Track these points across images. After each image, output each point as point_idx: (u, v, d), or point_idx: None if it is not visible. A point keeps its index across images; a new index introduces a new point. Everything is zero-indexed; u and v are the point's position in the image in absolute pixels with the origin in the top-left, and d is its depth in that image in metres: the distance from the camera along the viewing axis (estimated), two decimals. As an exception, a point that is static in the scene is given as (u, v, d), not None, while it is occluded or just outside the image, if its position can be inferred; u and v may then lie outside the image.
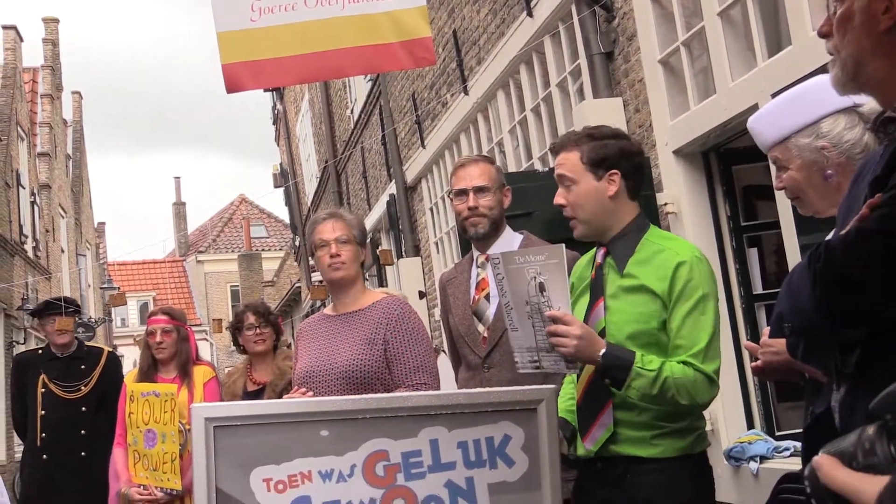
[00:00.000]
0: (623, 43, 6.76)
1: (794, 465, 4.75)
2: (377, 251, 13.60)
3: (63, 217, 31.21)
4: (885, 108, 1.82)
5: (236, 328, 6.02)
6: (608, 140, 3.38)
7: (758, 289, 6.10)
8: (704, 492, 3.34)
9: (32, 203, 26.15)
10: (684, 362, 3.15)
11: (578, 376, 3.38)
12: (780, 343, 2.64)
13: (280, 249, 47.12)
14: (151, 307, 8.10)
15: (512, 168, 9.29)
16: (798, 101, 2.69)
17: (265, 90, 24.15)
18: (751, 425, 5.98)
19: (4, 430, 21.04)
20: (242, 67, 6.41)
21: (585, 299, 3.40)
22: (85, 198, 36.30)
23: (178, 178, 63.86)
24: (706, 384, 3.17)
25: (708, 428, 5.91)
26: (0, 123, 23.37)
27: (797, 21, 4.97)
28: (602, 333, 3.24)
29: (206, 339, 43.58)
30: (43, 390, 7.04)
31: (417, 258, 13.11)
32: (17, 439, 22.02)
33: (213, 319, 8.79)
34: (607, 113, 6.68)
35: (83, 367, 7.09)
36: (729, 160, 6.17)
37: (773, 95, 4.34)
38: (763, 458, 5.52)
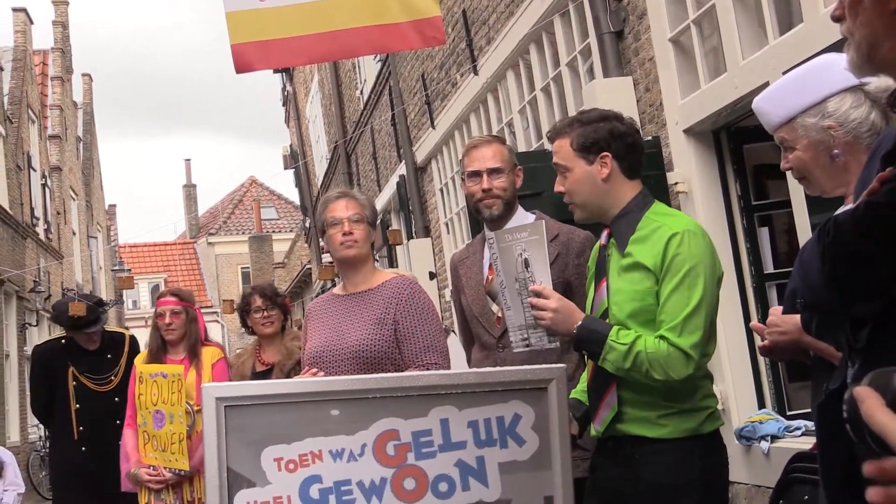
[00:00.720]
0: (633, 21, 6.73)
1: (806, 444, 4.75)
2: (387, 231, 13.60)
3: (74, 199, 31.30)
4: None
5: (244, 311, 6.03)
6: (597, 123, 3.35)
7: (769, 268, 6.09)
8: (714, 471, 3.31)
9: (44, 185, 26.23)
10: (660, 336, 3.12)
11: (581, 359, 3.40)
12: (787, 323, 2.64)
13: (290, 231, 47.18)
14: (163, 289, 8.19)
15: (522, 148, 9.27)
16: (803, 80, 2.67)
17: (275, 71, 24.14)
18: (762, 405, 5.98)
19: (17, 411, 21.17)
20: (252, 48, 6.40)
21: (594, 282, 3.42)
22: (96, 180, 36.38)
23: (189, 160, 63.97)
24: (681, 359, 3.11)
25: (719, 407, 5.94)
26: (11, 106, 23.41)
27: (809, -2, 4.94)
28: (605, 315, 3.24)
29: (217, 321, 43.71)
30: (74, 384, 6.99)
31: (427, 239, 13.11)
32: (31, 420, 22.16)
33: (224, 301, 8.80)
34: (617, 92, 6.66)
35: (109, 356, 7.01)
36: (740, 139, 6.15)
37: (785, 73, 4.32)
38: (774, 438, 5.52)
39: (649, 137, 6.36)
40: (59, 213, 28.08)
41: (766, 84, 4.90)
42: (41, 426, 22.28)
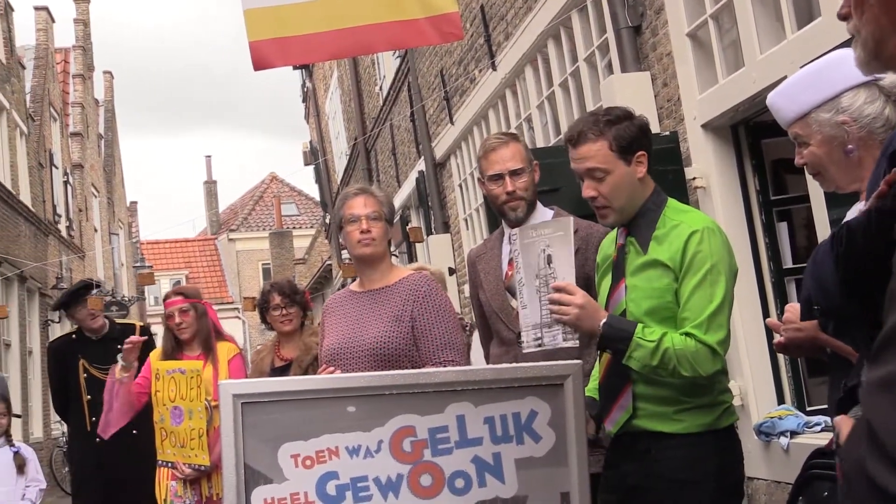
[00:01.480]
0: (651, 16, 6.72)
1: (825, 440, 4.73)
2: (407, 228, 13.61)
3: (96, 196, 31.45)
4: None
5: (263, 307, 6.05)
6: (627, 122, 3.32)
7: (787, 263, 6.07)
8: (730, 466, 3.32)
9: (65, 182, 26.36)
10: (686, 333, 3.13)
11: (599, 357, 3.38)
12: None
13: (311, 227, 47.24)
14: (167, 290, 8.21)
15: (540, 143, 9.26)
16: (817, 76, 2.66)
17: (294, 67, 24.16)
18: (781, 400, 5.96)
19: (41, 408, 21.29)
20: (270, 45, 6.41)
21: (609, 279, 3.39)
22: (117, 177, 36.53)
23: (209, 156, 64.17)
24: (708, 355, 3.13)
25: (738, 403, 5.92)
26: (33, 104, 23.54)
27: (827, -8, 4.91)
28: (623, 315, 3.24)
29: (238, 317, 43.83)
30: (85, 375, 7.05)
31: (447, 235, 13.12)
32: (53, 416, 22.29)
33: (245, 298, 8.79)
34: (635, 87, 6.65)
35: (119, 346, 7.05)
36: (758, 134, 6.12)
37: (802, 67, 4.30)
38: (794, 434, 5.50)
39: (667, 133, 6.35)
40: (80, 210, 28.22)
41: (785, 78, 4.89)
42: (63, 423, 22.48)
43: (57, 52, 28.21)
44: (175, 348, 5.89)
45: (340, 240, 4.24)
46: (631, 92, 6.56)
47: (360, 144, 18.87)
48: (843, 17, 1.77)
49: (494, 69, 10.20)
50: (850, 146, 2.57)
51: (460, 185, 12.56)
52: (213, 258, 51.29)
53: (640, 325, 3.16)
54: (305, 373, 5.52)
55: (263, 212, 51.55)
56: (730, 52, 6.14)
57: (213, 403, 5.39)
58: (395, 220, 15.91)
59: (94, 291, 7.19)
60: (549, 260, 3.19)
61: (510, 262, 4.14)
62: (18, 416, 12.11)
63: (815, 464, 3.54)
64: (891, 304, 1.28)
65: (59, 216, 25.16)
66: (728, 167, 6.17)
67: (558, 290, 3.16)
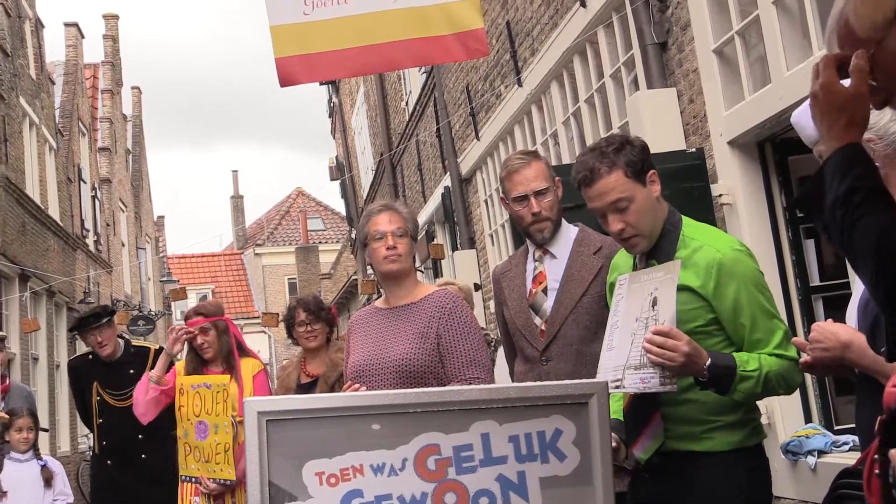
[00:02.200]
0: (677, 33, 6.71)
1: (853, 459, 4.69)
2: (429, 245, 13.63)
3: (123, 211, 31.65)
4: None
5: (289, 323, 6.06)
6: (629, 146, 3.31)
7: (815, 280, 6.03)
8: (760, 485, 3.30)
9: (93, 197, 26.55)
10: (774, 354, 3.17)
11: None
12: (829, 339, 2.61)
13: (337, 242, 47.34)
14: (188, 310, 8.20)
15: (566, 160, 9.26)
16: None
17: (320, 83, 24.27)
18: (808, 419, 5.92)
19: (68, 422, 21.40)
20: (296, 61, 6.44)
21: None
22: (144, 192, 36.76)
23: (236, 171, 64.60)
24: (796, 369, 3.18)
25: (765, 421, 5.88)
26: (62, 119, 23.74)
27: (854, 9, 4.89)
28: None
29: (263, 332, 43.95)
30: (97, 398, 7.06)
31: (472, 250, 13.12)
32: (80, 430, 22.40)
33: (265, 313, 8.80)
34: (661, 104, 6.64)
35: (132, 371, 6.95)
36: (785, 150, 6.10)
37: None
38: (821, 453, 5.46)
39: (693, 149, 6.33)
40: (108, 225, 28.40)
41: (811, 95, 4.87)
42: (90, 437, 22.57)
43: (86, 68, 28.45)
44: (198, 366, 5.90)
45: (366, 257, 4.24)
46: (657, 108, 6.56)
47: (386, 160, 18.92)
48: (882, 104, 1.85)
49: (520, 85, 10.21)
50: (875, 164, 2.56)
51: (486, 201, 12.56)
52: (240, 273, 51.47)
53: (736, 357, 3.14)
54: (332, 389, 5.52)
55: (289, 226, 51.70)
56: (756, 68, 6.13)
57: (237, 419, 5.39)
58: (420, 237, 15.85)
59: (105, 320, 7.07)
60: (654, 302, 3.13)
61: (534, 279, 4.14)
62: (46, 431, 12.17)
63: (842, 483, 3.51)
64: None
65: (87, 231, 25.33)
66: (754, 184, 6.15)
67: (662, 334, 3.05)
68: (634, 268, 3.38)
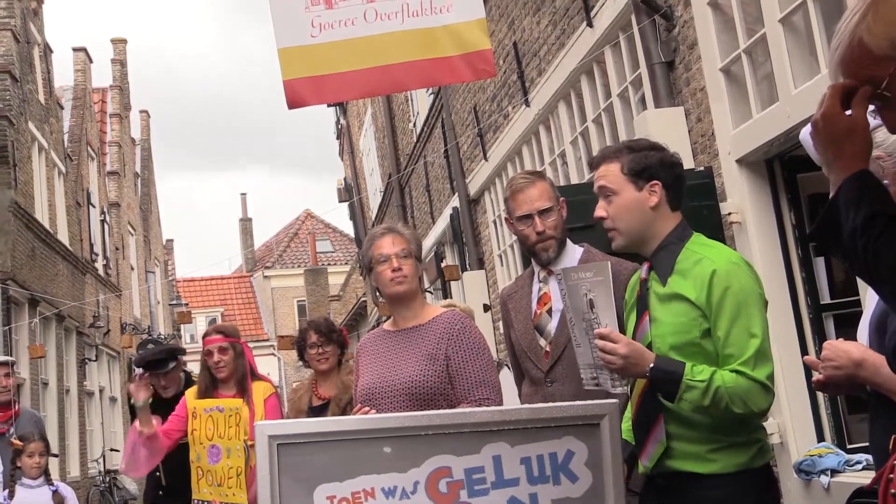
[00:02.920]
0: (684, 52, 6.72)
1: (866, 478, 4.67)
2: (441, 266, 13.63)
3: (132, 235, 31.73)
4: None
5: (301, 345, 6.06)
6: (647, 151, 3.37)
7: (825, 298, 6.02)
8: (769, 507, 3.28)
9: (102, 221, 26.63)
10: (735, 371, 3.10)
11: (630, 392, 3.36)
12: (841, 357, 2.60)
13: (346, 263, 47.39)
14: (207, 328, 8.12)
15: (574, 179, 9.27)
16: None
17: (328, 105, 24.35)
18: (821, 438, 5.90)
19: (77, 446, 21.41)
20: (304, 83, 6.46)
21: (635, 314, 3.38)
22: (153, 215, 36.86)
23: (245, 194, 64.53)
24: (760, 391, 3.11)
25: (777, 441, 5.87)
26: (71, 144, 23.85)
27: (861, 26, 4.90)
28: (649, 348, 3.22)
29: (273, 354, 43.95)
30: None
31: (481, 271, 13.12)
32: (91, 455, 22.40)
33: (279, 337, 8.81)
34: (669, 122, 6.65)
35: None
36: (793, 168, 6.10)
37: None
38: (834, 472, 5.43)
39: (701, 168, 6.33)
40: (117, 249, 28.47)
41: (820, 113, 4.87)
42: (100, 462, 22.53)
43: (94, 92, 28.60)
44: (210, 386, 5.89)
45: (372, 281, 4.24)
46: (665, 127, 6.56)
47: (394, 181, 18.95)
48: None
49: (528, 105, 10.23)
50: (884, 181, 2.56)
51: (494, 222, 12.57)
52: (249, 295, 51.53)
53: (688, 365, 3.11)
54: (344, 411, 5.52)
55: (298, 249, 51.79)
56: (763, 86, 6.13)
57: (249, 443, 5.39)
58: (429, 257, 15.89)
59: (171, 365, 6.85)
60: (591, 305, 3.18)
61: (539, 300, 4.14)
62: (56, 456, 12.17)
63: (857, 503, 3.50)
64: None
65: (97, 255, 25.40)
66: (763, 202, 6.15)
67: (602, 337, 3.13)
68: (642, 281, 3.39)
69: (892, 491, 2.04)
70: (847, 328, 5.28)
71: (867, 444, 5.47)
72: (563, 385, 3.95)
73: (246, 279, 52.64)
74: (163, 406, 6.73)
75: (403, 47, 6.40)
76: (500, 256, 12.37)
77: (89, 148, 25.82)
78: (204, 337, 6.03)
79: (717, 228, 5.86)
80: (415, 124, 17.16)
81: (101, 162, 27.64)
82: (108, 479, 21.81)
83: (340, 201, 27.68)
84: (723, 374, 3.10)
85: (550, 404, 3.14)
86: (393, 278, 4.05)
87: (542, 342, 4.07)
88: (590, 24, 8.13)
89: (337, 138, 30.66)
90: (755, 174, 6.17)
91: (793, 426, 5.90)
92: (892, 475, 2.18)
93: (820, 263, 6.05)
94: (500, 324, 4.92)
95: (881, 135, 2.57)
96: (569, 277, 3.27)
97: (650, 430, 3.25)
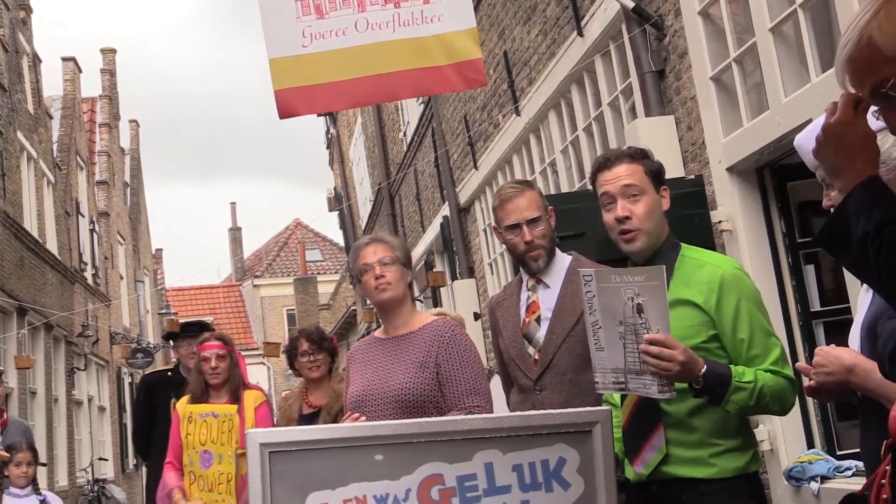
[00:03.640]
0: (674, 60, 6.74)
1: (856, 485, 4.67)
2: (428, 274, 13.63)
3: (121, 244, 31.65)
4: None
5: (291, 354, 6.06)
6: (650, 159, 3.43)
7: (815, 306, 6.04)
8: (763, 512, 3.30)
9: (91, 231, 26.56)
10: (771, 371, 3.18)
11: (622, 400, 3.36)
12: (833, 363, 2.61)
13: (335, 272, 47.33)
14: (205, 334, 8.20)
15: (565, 188, 9.29)
16: None
17: (318, 115, 24.34)
18: (811, 444, 5.91)
19: (66, 456, 21.32)
20: (295, 93, 6.46)
21: None
22: (142, 225, 36.78)
23: (234, 203, 64.57)
24: (791, 388, 3.21)
25: (767, 447, 5.87)
26: (60, 153, 23.80)
27: (850, 35, 4.92)
28: None
29: (262, 363, 43.86)
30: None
31: (472, 279, 13.12)
32: (80, 464, 22.32)
33: (265, 343, 8.79)
34: (659, 131, 6.67)
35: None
36: (784, 176, 6.12)
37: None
38: (824, 479, 5.44)
39: (692, 176, 6.35)
40: (106, 258, 28.40)
41: (810, 121, 4.89)
42: (88, 471, 22.45)
43: (83, 102, 28.54)
44: (203, 392, 5.90)
45: (362, 293, 4.26)
46: (655, 136, 6.58)
47: (384, 190, 18.95)
48: None
49: (518, 114, 10.25)
50: None
51: (485, 230, 12.59)
52: (238, 304, 51.41)
53: (733, 368, 3.15)
54: (335, 420, 5.51)
55: (288, 258, 51.70)
56: (754, 95, 6.16)
57: (240, 451, 5.39)
58: (419, 266, 15.84)
59: (206, 333, 7.13)
60: (639, 309, 3.08)
61: (527, 308, 4.14)
62: (44, 465, 12.14)
63: (847, 510, 3.51)
64: None
65: (85, 264, 25.33)
66: (754, 210, 6.17)
67: (655, 343, 3.05)
68: None
69: (885, 496, 2.05)
70: (837, 335, 5.29)
71: (857, 450, 5.48)
72: (553, 393, 3.95)
73: (235, 288, 52.53)
74: (182, 385, 6.73)
75: (394, 57, 6.40)
76: (491, 265, 12.38)
77: (78, 157, 25.76)
78: (201, 343, 6.04)
79: (707, 236, 5.88)
80: (405, 133, 17.17)
81: (90, 171, 27.57)
82: (96, 488, 21.73)
83: (330, 210, 27.65)
84: (763, 374, 3.18)
85: (542, 412, 3.14)
86: (377, 286, 4.06)
87: (531, 350, 4.07)
88: (580, 34, 8.15)
89: (327, 147, 30.66)
90: (746, 182, 6.19)
91: (783, 433, 5.91)
92: (883, 481, 2.18)
93: (810, 271, 6.07)
94: (490, 332, 4.92)
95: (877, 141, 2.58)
96: (605, 280, 3.16)
97: (647, 437, 3.25)
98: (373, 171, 21.12)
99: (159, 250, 45.56)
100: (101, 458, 23.91)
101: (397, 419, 3.74)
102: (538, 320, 4.10)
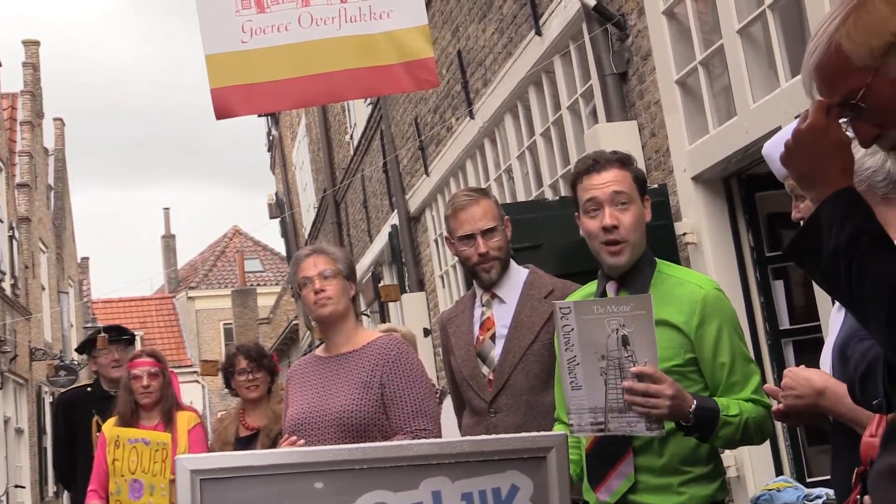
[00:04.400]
0: (637, 63, 6.79)
1: (827, 513, 4.72)
2: (379, 286, 13.59)
3: (44, 252, 31.28)
4: None
5: (228, 372, 6.01)
6: (634, 165, 3.43)
7: (784, 324, 6.09)
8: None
9: (11, 237, 26.22)
10: (751, 400, 3.21)
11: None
12: (803, 385, 2.63)
13: (276, 284, 47.15)
14: (139, 347, 8.09)
15: (521, 197, 9.31)
16: None
17: (259, 115, 24.24)
18: (779, 471, 5.95)
19: (4, 485, 21.04)
20: (233, 92, 6.42)
21: None
22: (67, 231, 36.40)
23: (168, 209, 64.10)
24: (769, 417, 3.24)
25: (733, 474, 5.91)
26: (-23, 153, 23.50)
27: (822, 38, 4.98)
28: None
29: (197, 381, 43.53)
30: (98, 434, 6.92)
31: (422, 293, 13.12)
32: (20, 493, 22.00)
33: (203, 361, 8.75)
34: (621, 137, 6.70)
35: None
36: (751, 186, 6.17)
37: (797, 118, 4.35)
38: (793, 507, 5.47)
39: (655, 185, 6.39)
40: (27, 267, 28.05)
41: (779, 129, 4.94)
42: (3, 499, 22.13)
43: (3, 98, 28.21)
44: (133, 413, 5.84)
45: (303, 307, 4.25)
46: (617, 142, 6.60)
47: (329, 196, 18.90)
48: (869, 142, 1.87)
49: (472, 117, 10.27)
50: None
51: (436, 240, 12.59)
52: (171, 318, 51.02)
53: (719, 401, 3.16)
54: (274, 443, 5.48)
55: (225, 268, 51.43)
56: (721, 100, 6.21)
57: (171, 477, 5.34)
58: (366, 278, 15.76)
59: (126, 337, 7.05)
60: (624, 341, 3.04)
61: (482, 325, 4.14)
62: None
63: (817, 539, 3.54)
64: None
65: (3, 273, 25.00)
66: (720, 222, 6.21)
67: (643, 376, 3.01)
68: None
69: None
70: (807, 355, 5.34)
71: (828, 477, 5.53)
72: (507, 416, 3.96)
73: (168, 300, 52.13)
74: (105, 401, 6.64)
75: (340, 55, 6.39)
76: (442, 277, 12.38)
77: (-2, 158, 25.46)
78: (132, 359, 5.98)
79: (671, 249, 5.92)
80: (352, 136, 17.14)
81: (9, 173, 27.24)
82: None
83: (271, 217, 27.54)
84: (744, 405, 3.19)
85: (493, 436, 3.14)
86: (316, 301, 4.06)
87: (485, 370, 4.06)
88: (538, 33, 8.19)
89: (268, 150, 30.54)
90: (712, 192, 6.24)
91: (750, 459, 5.95)
92: None
93: (779, 287, 6.13)
94: (441, 350, 4.91)
95: None
96: (587, 311, 3.10)
97: (615, 463, 3.26)
98: (317, 175, 21.06)
99: (86, 259, 45.13)
100: (17, 486, 23.56)
101: (339, 444, 3.73)
102: (493, 338, 4.10)
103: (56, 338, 31.67)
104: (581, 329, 3.09)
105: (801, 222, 2.76)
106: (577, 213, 3.43)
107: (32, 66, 31.21)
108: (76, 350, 7.22)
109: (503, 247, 4.11)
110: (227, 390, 6.22)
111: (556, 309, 3.18)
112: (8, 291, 25.23)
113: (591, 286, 3.51)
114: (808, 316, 5.93)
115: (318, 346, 4.37)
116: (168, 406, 5.83)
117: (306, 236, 23.39)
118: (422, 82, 6.57)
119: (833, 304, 2.82)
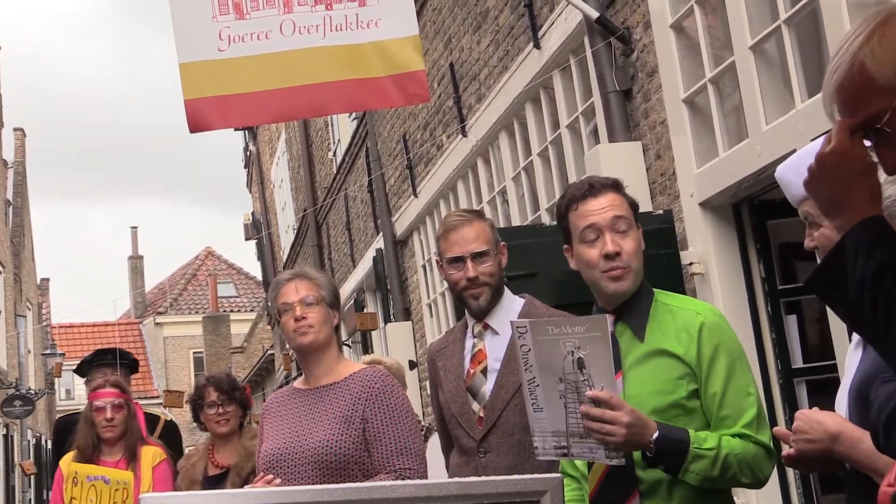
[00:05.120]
0: (643, 79, 6.80)
1: (840, 567, 4.71)
2: (356, 315, 13.58)
3: (0, 272, 31.20)
4: None
5: (196, 404, 5.98)
6: (624, 190, 3.44)
7: (797, 362, 6.08)
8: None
9: (-34, 256, 26.17)
10: (740, 435, 3.17)
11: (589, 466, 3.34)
12: (816, 430, 2.62)
13: (251, 310, 47.13)
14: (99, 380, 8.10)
15: (516, 221, 9.31)
16: None
17: (235, 129, 24.26)
18: (790, 520, 5.94)
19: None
20: (209, 103, 6.42)
21: None
22: (27, 250, 36.33)
23: (136, 227, 63.93)
24: (766, 457, 3.19)
25: (741, 522, 5.88)
26: (-69, 165, 23.46)
27: (840, 57, 4.99)
28: None
29: (163, 414, 43.38)
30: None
31: (408, 322, 13.10)
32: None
33: (167, 391, 8.71)
34: (625, 159, 6.71)
35: None
36: (763, 214, 6.17)
37: (814, 140, 4.36)
38: (804, 559, 5.47)
39: (660, 211, 6.39)
40: (-17, 288, 27.99)
41: (794, 152, 4.95)
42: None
43: (-38, 106, 28.20)
44: (94, 447, 5.81)
45: (281, 335, 4.26)
46: (620, 164, 6.61)
47: (309, 217, 18.90)
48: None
49: (465, 135, 10.28)
50: None
51: (424, 266, 12.58)
52: (137, 345, 50.90)
53: (691, 432, 3.13)
54: (245, 483, 5.45)
55: (197, 292, 51.41)
56: (732, 121, 6.22)
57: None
58: (347, 306, 15.77)
59: (125, 361, 7.01)
60: (580, 364, 3.05)
61: (472, 358, 4.12)
62: None
63: None
64: None
65: (-42, 294, 24.94)
66: (729, 251, 6.21)
67: (598, 400, 3.02)
68: None
69: None
70: (822, 396, 5.34)
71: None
72: (499, 456, 3.94)
73: (134, 326, 52.04)
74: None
75: (325, 65, 6.40)
76: (430, 306, 12.37)
77: (-46, 170, 25.43)
78: (94, 389, 5.95)
79: (676, 280, 5.92)
80: (335, 153, 17.16)
81: (-33, 186, 27.22)
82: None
83: (247, 239, 27.57)
84: (728, 439, 3.16)
85: (484, 478, 3.12)
86: (296, 329, 4.05)
87: (476, 406, 4.05)
88: (537, 46, 8.20)
89: (245, 167, 30.58)
90: (720, 219, 6.24)
91: (759, 507, 5.94)
92: None
93: (792, 322, 6.12)
94: (428, 384, 4.90)
95: None
96: (542, 331, 3.13)
97: None
98: (297, 195, 21.08)
99: (46, 280, 45.04)
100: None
101: (317, 483, 3.72)
102: (484, 372, 4.09)
103: (12, 364, 31.55)
104: (538, 350, 3.13)
105: (815, 251, 2.76)
106: (566, 246, 3.42)
107: (-7, 73, 31.23)
108: (74, 371, 7.25)
109: (495, 273, 4.10)
110: (195, 424, 6.19)
111: (513, 328, 3.22)
112: (-39, 314, 25.15)
113: None
114: (822, 354, 5.92)
115: (296, 378, 4.35)
116: (132, 441, 5.80)
117: (284, 259, 23.38)
118: (411, 96, 6.58)
119: (850, 341, 2.81)
